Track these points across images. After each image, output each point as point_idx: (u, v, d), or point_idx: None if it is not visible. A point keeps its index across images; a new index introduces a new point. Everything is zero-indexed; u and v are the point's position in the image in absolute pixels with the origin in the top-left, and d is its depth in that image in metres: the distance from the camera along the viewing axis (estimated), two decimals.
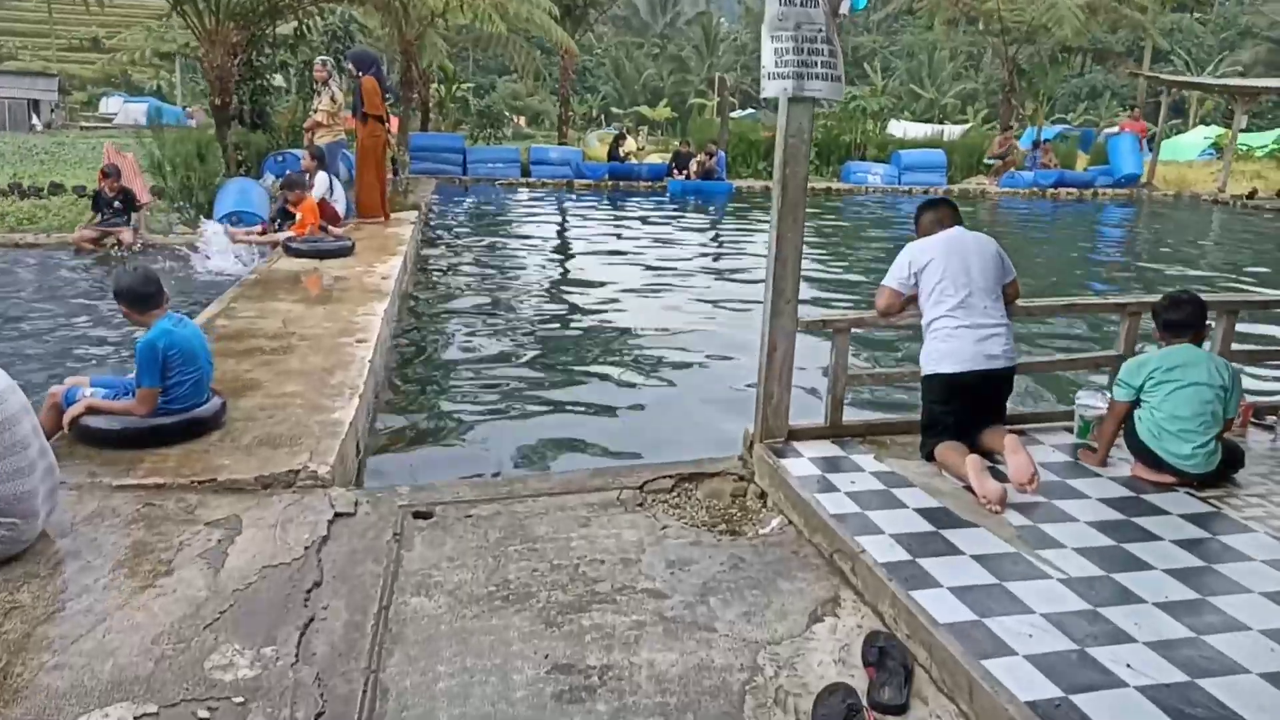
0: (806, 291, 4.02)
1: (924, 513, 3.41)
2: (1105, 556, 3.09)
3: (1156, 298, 4.06)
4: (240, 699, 2.51)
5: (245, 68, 14.32)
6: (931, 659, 2.65)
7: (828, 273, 11.03)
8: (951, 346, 3.81)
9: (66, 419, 4.12)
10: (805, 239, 3.90)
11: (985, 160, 22.22)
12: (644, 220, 15.68)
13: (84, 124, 37.94)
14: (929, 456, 3.89)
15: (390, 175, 12.25)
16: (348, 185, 11.73)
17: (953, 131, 28.37)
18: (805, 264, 3.91)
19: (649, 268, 10.96)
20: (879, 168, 21.52)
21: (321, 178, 10.60)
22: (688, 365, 6.99)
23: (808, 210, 3.87)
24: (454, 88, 27.77)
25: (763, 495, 3.94)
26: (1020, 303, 4.13)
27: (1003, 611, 2.74)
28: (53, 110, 38.00)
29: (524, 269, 11.00)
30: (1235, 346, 4.55)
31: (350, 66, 11.34)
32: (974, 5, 23.73)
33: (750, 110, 39.59)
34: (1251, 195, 20.69)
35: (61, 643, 2.70)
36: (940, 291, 3.84)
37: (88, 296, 8.19)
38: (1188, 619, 2.72)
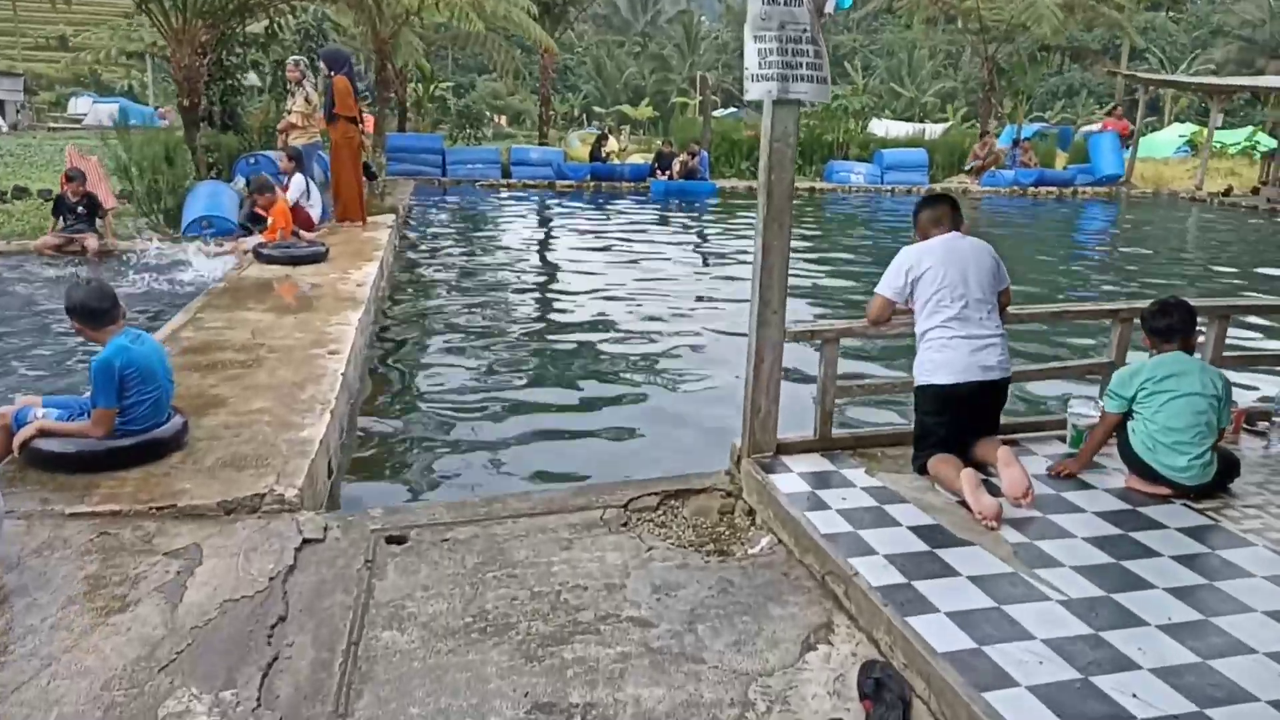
0: (792, 299, 3.86)
1: (918, 531, 3.28)
2: (1104, 575, 2.97)
3: (1147, 302, 3.95)
4: None
5: (215, 67, 14.04)
6: (930, 690, 2.53)
7: (814, 278, 10.88)
8: (946, 357, 3.68)
9: (17, 442, 3.91)
10: (790, 244, 3.76)
11: (966, 166, 22.22)
12: (627, 222, 15.53)
13: (52, 125, 37.29)
14: (921, 469, 3.77)
15: (365, 179, 11.99)
16: (323, 187, 11.52)
17: (934, 130, 28.35)
18: (790, 270, 3.77)
19: (632, 273, 10.80)
20: (862, 167, 21.47)
21: (299, 180, 10.39)
22: (673, 375, 6.84)
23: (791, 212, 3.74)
24: (432, 87, 27.49)
25: (751, 512, 3.81)
26: (1010, 309, 4.01)
27: (1002, 638, 2.62)
28: (19, 111, 37.35)
29: (505, 274, 10.83)
30: (1226, 352, 4.46)
31: (322, 65, 11.10)
32: (953, 4, 23.72)
33: (733, 109, 39.50)
34: (1227, 192, 20.81)
35: (0, 691, 2.52)
36: (936, 302, 3.71)
37: (43, 309, 7.88)
38: (1192, 642, 2.61)
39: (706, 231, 15.31)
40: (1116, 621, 2.70)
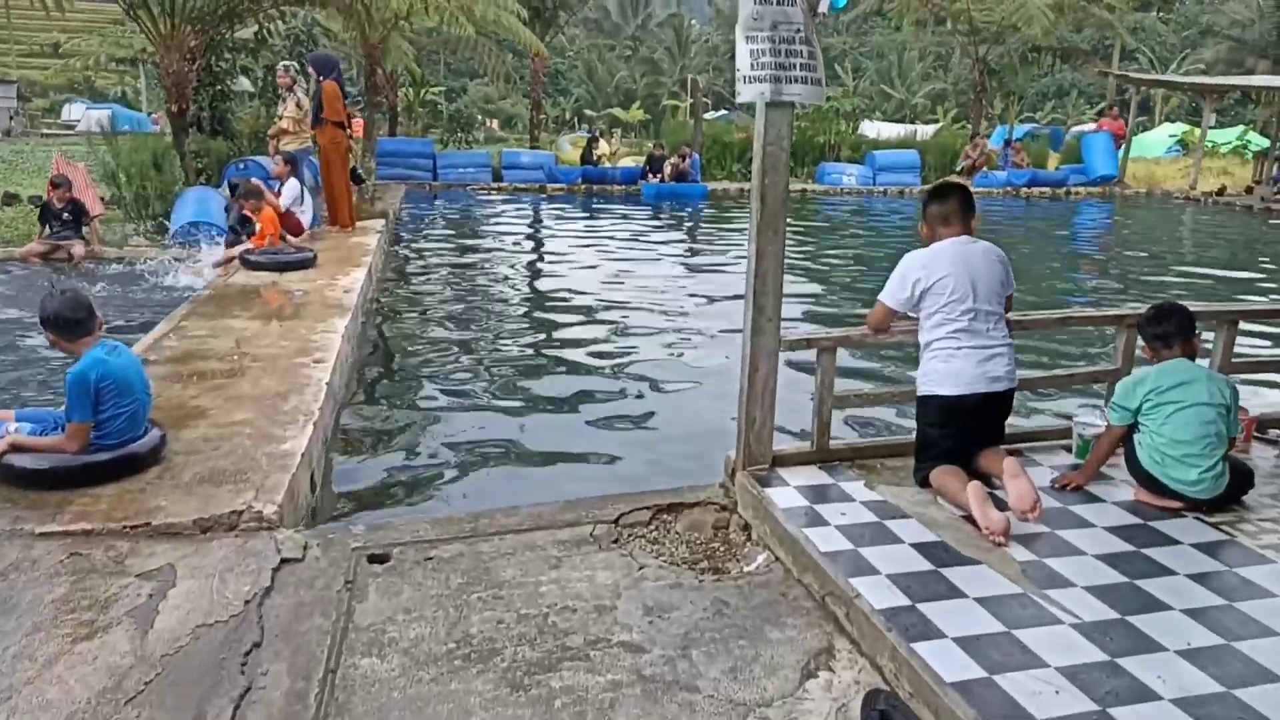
0: (787, 306, 3.74)
1: (921, 548, 3.16)
2: (1118, 596, 2.85)
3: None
4: None
5: (204, 73, 13.90)
6: None
7: (808, 283, 10.72)
8: (954, 367, 3.55)
9: None
10: (785, 249, 3.63)
11: (958, 167, 22.13)
12: (618, 226, 15.40)
13: (45, 131, 37.04)
14: (923, 482, 3.64)
15: (353, 184, 11.84)
16: (313, 193, 11.37)
17: (925, 131, 28.30)
18: (785, 275, 3.65)
19: (624, 277, 10.65)
20: (853, 168, 21.37)
21: (293, 185, 10.23)
22: (665, 382, 6.70)
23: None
24: (422, 92, 27.33)
25: (746, 527, 3.68)
26: (1012, 316, 3.88)
27: (1014, 665, 2.49)
28: (12, 117, 37.07)
29: (495, 280, 10.69)
30: (1235, 358, 4.34)
31: (310, 70, 10.96)
32: (943, 5, 23.63)
33: (723, 111, 39.42)
34: (1221, 192, 20.76)
35: None
36: (944, 314, 3.57)
37: (19, 319, 7.70)
38: (1214, 669, 2.48)
39: (698, 234, 15.19)
40: (1133, 647, 2.57)
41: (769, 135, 3.47)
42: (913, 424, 3.84)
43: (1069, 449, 4.05)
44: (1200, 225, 17.69)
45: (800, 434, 4.52)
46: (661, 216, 16.77)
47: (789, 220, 3.62)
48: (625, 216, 16.52)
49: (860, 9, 28.62)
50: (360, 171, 14.39)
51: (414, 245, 12.88)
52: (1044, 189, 21.27)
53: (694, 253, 13.06)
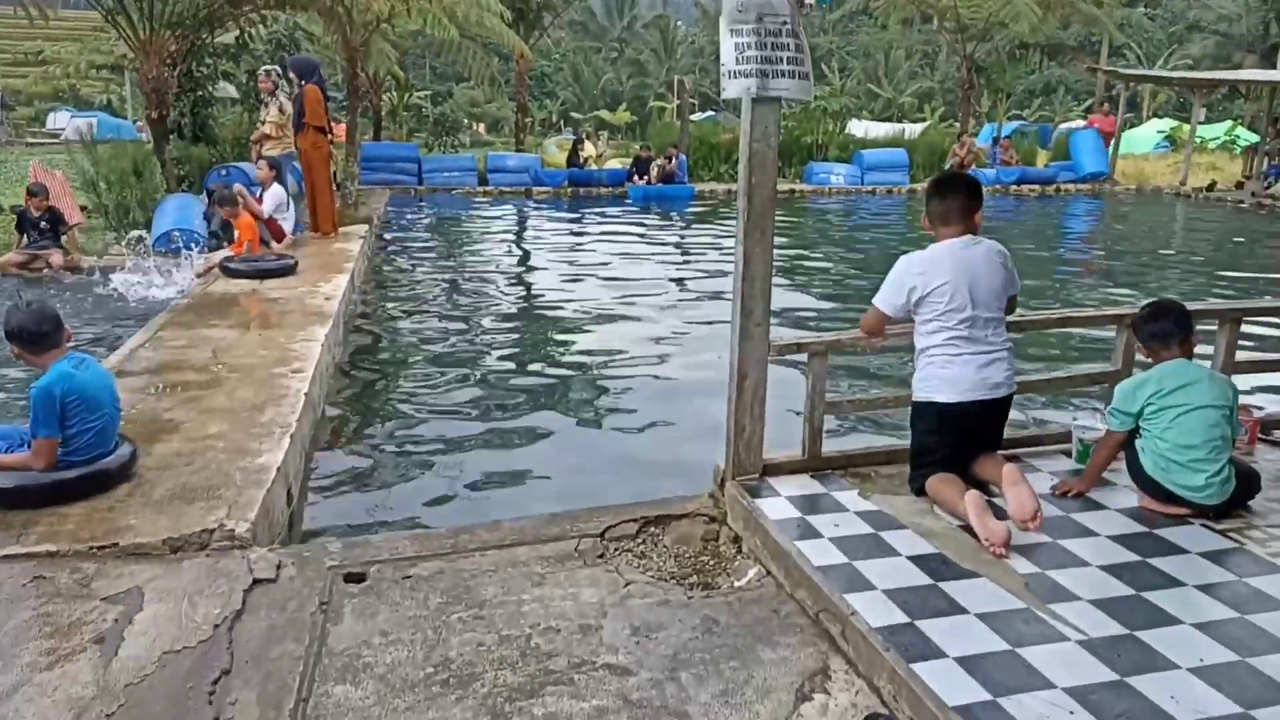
0: (776, 310, 3.61)
1: (919, 561, 3.03)
2: (1125, 610, 2.72)
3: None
4: None
5: (185, 78, 13.71)
6: None
7: (797, 287, 10.58)
8: (952, 373, 3.42)
9: None
10: (773, 251, 3.51)
11: (946, 165, 22.04)
12: (605, 229, 15.27)
13: (30, 140, 36.73)
14: (919, 491, 3.52)
15: (335, 189, 11.67)
16: (298, 198, 11.21)
17: (913, 130, 28.24)
18: (774, 278, 3.52)
19: (611, 281, 10.52)
20: (841, 168, 21.27)
21: (276, 191, 10.06)
22: (655, 388, 6.58)
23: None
24: (406, 95, 27.15)
25: (737, 539, 3.55)
26: (1009, 318, 3.76)
27: (1020, 687, 2.36)
28: None
29: (480, 285, 10.55)
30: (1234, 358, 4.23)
31: (292, 75, 10.80)
32: (930, 3, 23.60)
33: (710, 112, 39.30)
34: (1211, 187, 20.71)
35: None
36: (941, 322, 3.43)
37: None
38: (1229, 688, 2.35)
39: (686, 237, 15.06)
40: (1143, 665, 2.45)
41: (755, 132, 3.35)
42: (907, 429, 3.72)
43: (1069, 454, 3.93)
44: (1192, 222, 17.65)
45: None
46: (649, 219, 16.64)
47: (778, 220, 3.49)
48: (612, 219, 16.38)
49: (846, 7, 28.64)
50: (338, 177, 14.18)
51: (398, 250, 12.73)
52: (1033, 186, 21.22)
53: (682, 255, 12.93)
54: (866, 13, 31.09)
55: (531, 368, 7.14)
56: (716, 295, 9.47)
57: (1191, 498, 3.28)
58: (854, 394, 4.35)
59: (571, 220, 16.47)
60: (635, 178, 19.33)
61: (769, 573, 3.25)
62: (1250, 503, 3.42)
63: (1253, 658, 2.49)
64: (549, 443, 5.59)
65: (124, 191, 11.44)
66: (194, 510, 3.66)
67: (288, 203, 10.23)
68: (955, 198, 3.50)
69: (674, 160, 19.40)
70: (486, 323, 8.64)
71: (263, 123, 11.46)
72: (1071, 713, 2.26)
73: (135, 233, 9.64)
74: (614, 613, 3.04)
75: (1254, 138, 24.82)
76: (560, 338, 8.04)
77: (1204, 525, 3.27)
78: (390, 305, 9.26)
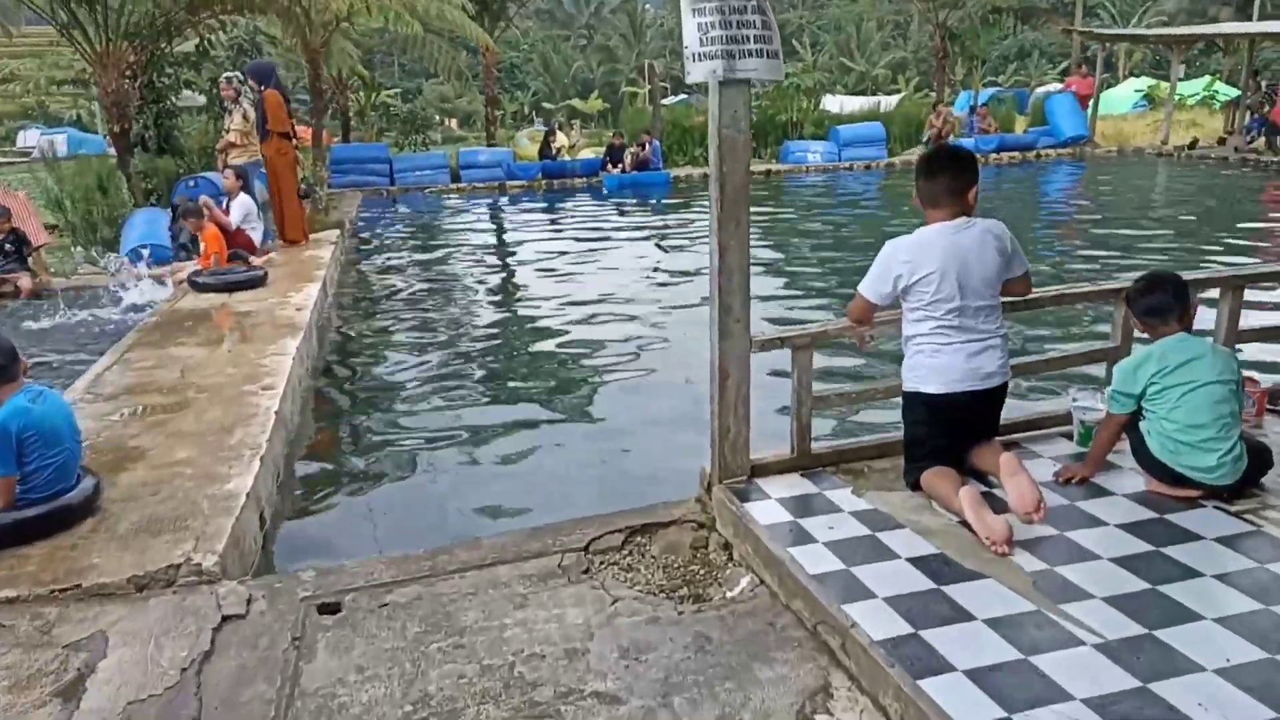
0: (756, 302, 3.43)
1: (919, 563, 2.86)
2: (1143, 606, 2.56)
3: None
4: None
5: (146, 90, 13.40)
6: None
7: (777, 275, 10.29)
8: (940, 362, 3.24)
9: None
10: (750, 240, 3.33)
11: (924, 137, 21.88)
12: (581, 221, 15.04)
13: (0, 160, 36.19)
14: (914, 485, 3.35)
15: (303, 195, 11.41)
16: (265, 207, 10.95)
17: (888, 102, 28.04)
18: (752, 267, 3.34)
19: (588, 276, 10.31)
20: (818, 145, 21.06)
21: (244, 200, 9.80)
22: (637, 387, 6.40)
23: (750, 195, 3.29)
24: (374, 95, 26.77)
25: (727, 546, 3.38)
26: (1028, 297, 3.56)
27: (1035, 700, 2.20)
28: None
29: (455, 287, 10.35)
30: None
31: (251, 82, 10.53)
32: None
33: (683, 96, 38.94)
34: (1193, 145, 20.60)
35: None
36: (929, 310, 3.24)
37: None
38: (1260, 691, 2.19)
39: (664, 225, 14.85)
40: (1166, 668, 2.29)
41: (724, 117, 3.16)
42: (899, 420, 3.55)
43: (1070, 436, 3.77)
44: (1177, 181, 17.50)
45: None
46: (626, 208, 16.43)
47: (754, 204, 3.30)
48: (588, 211, 16.16)
49: None
50: (306, 184, 13.90)
51: (371, 254, 12.51)
52: (1013, 154, 21.08)
53: (662, 245, 12.73)
54: None
55: (509, 372, 6.96)
56: (697, 280, 9.29)
57: (1204, 479, 3.12)
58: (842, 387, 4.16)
59: (546, 214, 16.23)
60: (610, 166, 19.09)
61: (762, 581, 3.09)
62: (1264, 480, 3.25)
63: None
64: (530, 448, 5.42)
65: (90, 208, 11.17)
66: (160, 544, 3.49)
67: (257, 212, 9.98)
68: (944, 178, 3.26)
69: (648, 147, 19.17)
70: (462, 325, 8.44)
71: (227, 131, 11.21)
72: None
73: (116, 257, 9.41)
74: (601, 634, 2.87)
75: (1233, 92, 24.70)
76: (538, 339, 7.85)
77: (1217, 507, 3.11)
78: (364, 312, 9.05)
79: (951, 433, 3.31)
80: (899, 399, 3.49)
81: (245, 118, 10.99)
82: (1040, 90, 30.30)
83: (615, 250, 12.07)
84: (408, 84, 44.58)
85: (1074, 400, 3.77)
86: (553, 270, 10.87)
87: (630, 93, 40.37)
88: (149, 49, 12.99)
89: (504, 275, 11.27)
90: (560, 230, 14.30)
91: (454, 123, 40.31)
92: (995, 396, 3.34)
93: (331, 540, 4.36)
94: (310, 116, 19.16)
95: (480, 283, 10.63)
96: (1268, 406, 3.83)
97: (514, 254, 12.56)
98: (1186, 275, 3.58)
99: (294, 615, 3.09)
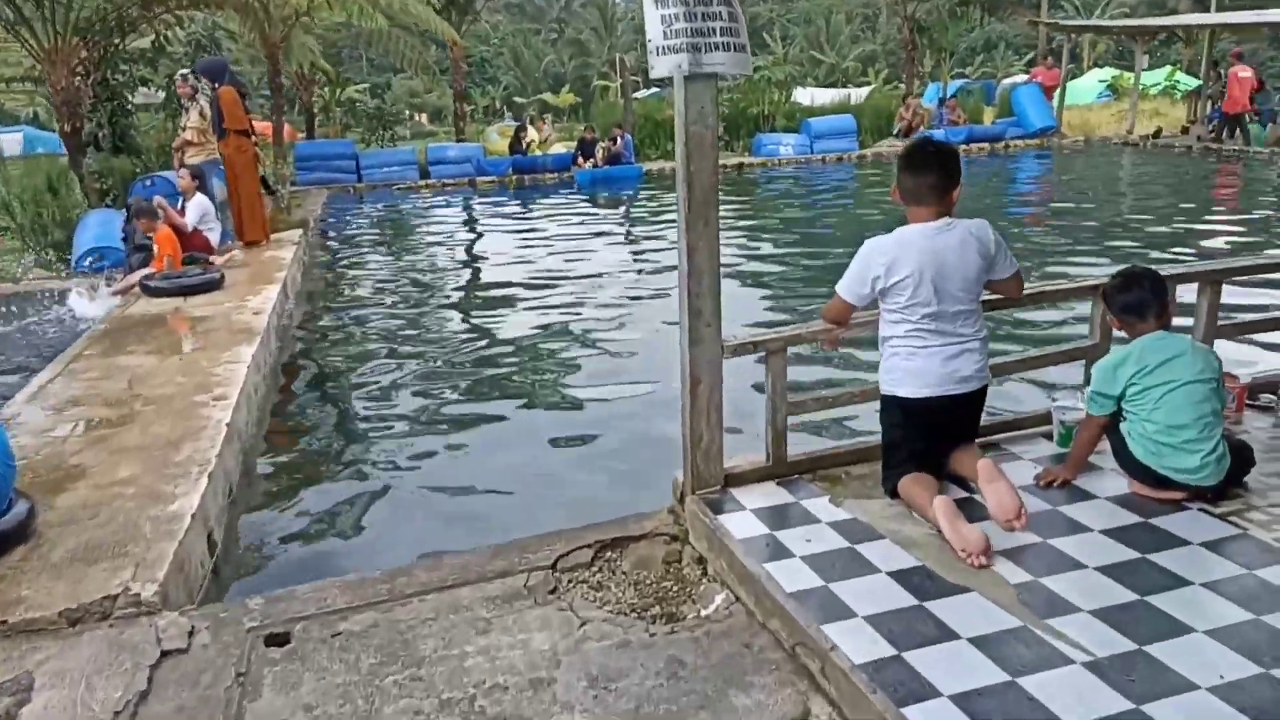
0: (727, 303, 3.28)
1: (900, 577, 2.73)
2: (1132, 619, 2.45)
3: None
4: None
5: (100, 87, 13.04)
6: None
7: (750, 274, 10.10)
8: (916, 366, 3.12)
9: None
10: (720, 240, 3.17)
11: (894, 129, 21.85)
12: (553, 217, 14.83)
13: None
14: (893, 492, 3.23)
15: (264, 193, 11.12)
16: (223, 207, 10.67)
17: (859, 94, 27.98)
18: (722, 267, 3.19)
19: (559, 275, 10.11)
20: (790, 138, 20.95)
21: (200, 201, 9.51)
22: (609, 394, 6.22)
23: (720, 187, 3.14)
24: (339, 90, 26.35)
25: (701, 560, 3.24)
26: (1022, 295, 3.43)
27: None
28: None
29: (423, 286, 10.14)
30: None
31: (204, 81, 10.24)
32: None
33: (655, 90, 38.74)
34: (1157, 134, 20.70)
35: None
36: (905, 314, 3.12)
37: None
38: (1255, 711, 2.08)
39: (636, 220, 14.70)
40: (1160, 687, 2.17)
41: (690, 113, 3.01)
42: (877, 424, 3.42)
43: (1050, 437, 3.66)
44: (1143, 171, 17.57)
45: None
46: (598, 203, 16.24)
47: (724, 198, 3.15)
48: (560, 206, 15.95)
49: None
50: (270, 181, 13.62)
51: (337, 254, 12.25)
52: (982, 145, 21.07)
53: (635, 240, 12.57)
54: None
55: (476, 377, 6.76)
56: (670, 278, 9.13)
57: (1187, 480, 3.02)
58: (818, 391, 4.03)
59: (517, 210, 15.99)
60: (581, 161, 18.87)
61: (738, 599, 2.95)
62: (1246, 479, 3.16)
63: (1276, 669, 2.22)
64: (497, 452, 5.27)
65: (40, 210, 10.84)
66: (97, 573, 3.29)
67: (214, 212, 9.70)
68: (929, 175, 3.11)
69: (620, 141, 18.97)
70: (430, 327, 8.25)
71: (184, 129, 10.92)
72: None
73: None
74: (569, 660, 2.72)
75: (1194, 82, 24.88)
76: (508, 340, 7.66)
77: (1202, 509, 3.01)
78: (327, 314, 8.82)
79: (929, 437, 3.19)
80: (877, 402, 3.36)
81: (202, 115, 10.70)
82: (1007, 81, 30.36)
83: (587, 245, 11.89)
84: (376, 79, 44.09)
85: (1054, 400, 3.66)
86: (524, 267, 10.67)
87: (602, 86, 40.11)
88: (101, 45, 12.66)
89: (474, 273, 11.08)
90: (532, 226, 14.09)
91: (424, 118, 39.87)
92: (974, 400, 3.21)
93: (289, 558, 4.19)
94: (271, 113, 18.76)
95: (449, 282, 10.43)
96: (1247, 402, 3.75)
97: (484, 251, 12.35)
98: (1164, 270, 3.48)
99: (239, 649, 2.91)
